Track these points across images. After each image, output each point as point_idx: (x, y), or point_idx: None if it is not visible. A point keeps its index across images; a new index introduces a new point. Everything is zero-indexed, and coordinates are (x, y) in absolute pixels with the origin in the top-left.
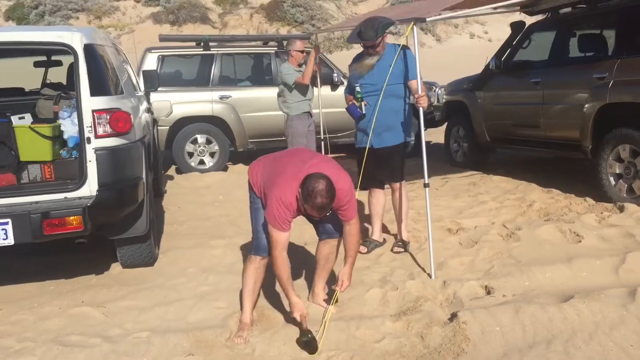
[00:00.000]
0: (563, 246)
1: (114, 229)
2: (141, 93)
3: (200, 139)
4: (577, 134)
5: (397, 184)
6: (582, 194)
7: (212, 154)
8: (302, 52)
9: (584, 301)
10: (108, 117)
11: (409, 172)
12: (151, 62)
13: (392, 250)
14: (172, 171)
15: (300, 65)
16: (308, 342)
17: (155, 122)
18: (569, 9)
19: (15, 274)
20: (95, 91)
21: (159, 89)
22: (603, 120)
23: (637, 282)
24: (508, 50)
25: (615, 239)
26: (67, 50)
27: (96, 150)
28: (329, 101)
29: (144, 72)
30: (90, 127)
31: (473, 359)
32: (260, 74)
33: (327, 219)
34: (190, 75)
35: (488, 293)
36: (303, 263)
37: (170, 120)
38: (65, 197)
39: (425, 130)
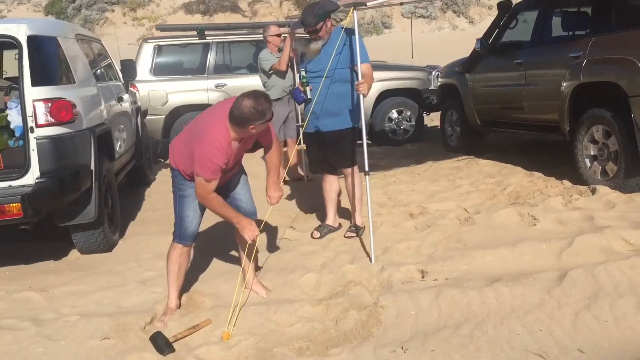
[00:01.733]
0: (516, 230)
1: (62, 216)
2: (117, 83)
3: None
4: (556, 115)
5: (349, 170)
6: (562, 177)
7: None
8: (278, 36)
9: (507, 285)
10: (49, 106)
11: (406, 156)
12: (147, 52)
13: (344, 235)
14: None
15: (279, 51)
16: (155, 339)
17: (139, 110)
18: None
19: None
20: (36, 81)
21: (155, 78)
22: (579, 100)
23: (574, 265)
24: (495, 32)
25: (574, 222)
26: (13, 42)
27: (37, 139)
28: None
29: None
30: (32, 116)
31: (377, 343)
32: (256, 62)
33: (242, 194)
34: (186, 64)
35: (423, 277)
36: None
37: (166, 109)
38: (10, 185)
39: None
